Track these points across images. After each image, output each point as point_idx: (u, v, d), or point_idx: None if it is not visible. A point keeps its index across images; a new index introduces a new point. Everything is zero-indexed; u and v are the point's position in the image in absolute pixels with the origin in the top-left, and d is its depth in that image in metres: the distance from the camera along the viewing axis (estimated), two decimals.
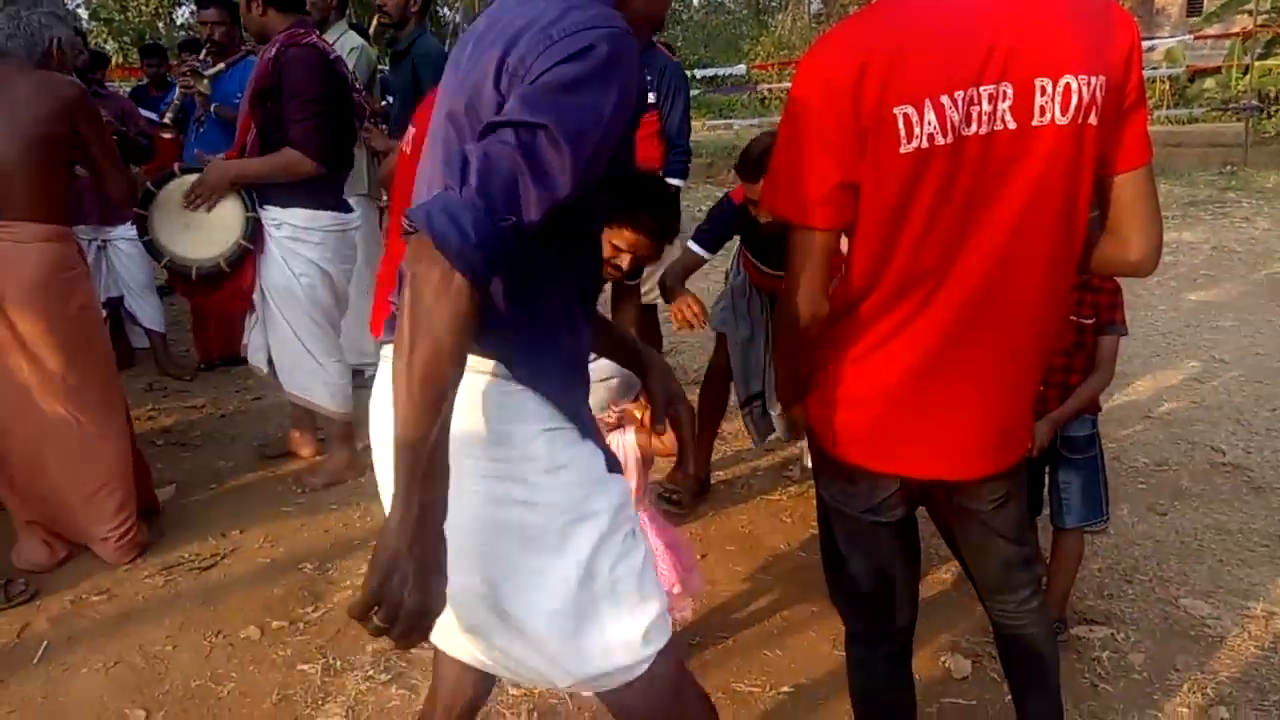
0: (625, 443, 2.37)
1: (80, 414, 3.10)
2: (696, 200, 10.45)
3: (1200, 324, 5.95)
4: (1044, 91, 1.42)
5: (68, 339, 3.05)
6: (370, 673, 2.61)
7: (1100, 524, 2.65)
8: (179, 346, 5.56)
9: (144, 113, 5.24)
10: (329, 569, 3.17)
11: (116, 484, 3.18)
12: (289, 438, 4.06)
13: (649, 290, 4.11)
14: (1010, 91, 1.41)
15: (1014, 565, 1.85)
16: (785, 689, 2.56)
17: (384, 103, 4.80)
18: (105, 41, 16.55)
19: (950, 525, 1.85)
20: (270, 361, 3.69)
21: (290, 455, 4.04)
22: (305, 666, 2.65)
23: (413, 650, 2.59)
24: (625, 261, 2.56)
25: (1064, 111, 1.43)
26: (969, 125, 1.42)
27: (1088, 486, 2.59)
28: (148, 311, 5.11)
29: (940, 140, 1.41)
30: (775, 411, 3.48)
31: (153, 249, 3.45)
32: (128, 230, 4.63)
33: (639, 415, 2.38)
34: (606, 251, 2.61)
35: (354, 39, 4.36)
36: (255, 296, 3.57)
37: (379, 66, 5.07)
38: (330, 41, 3.77)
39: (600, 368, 2.24)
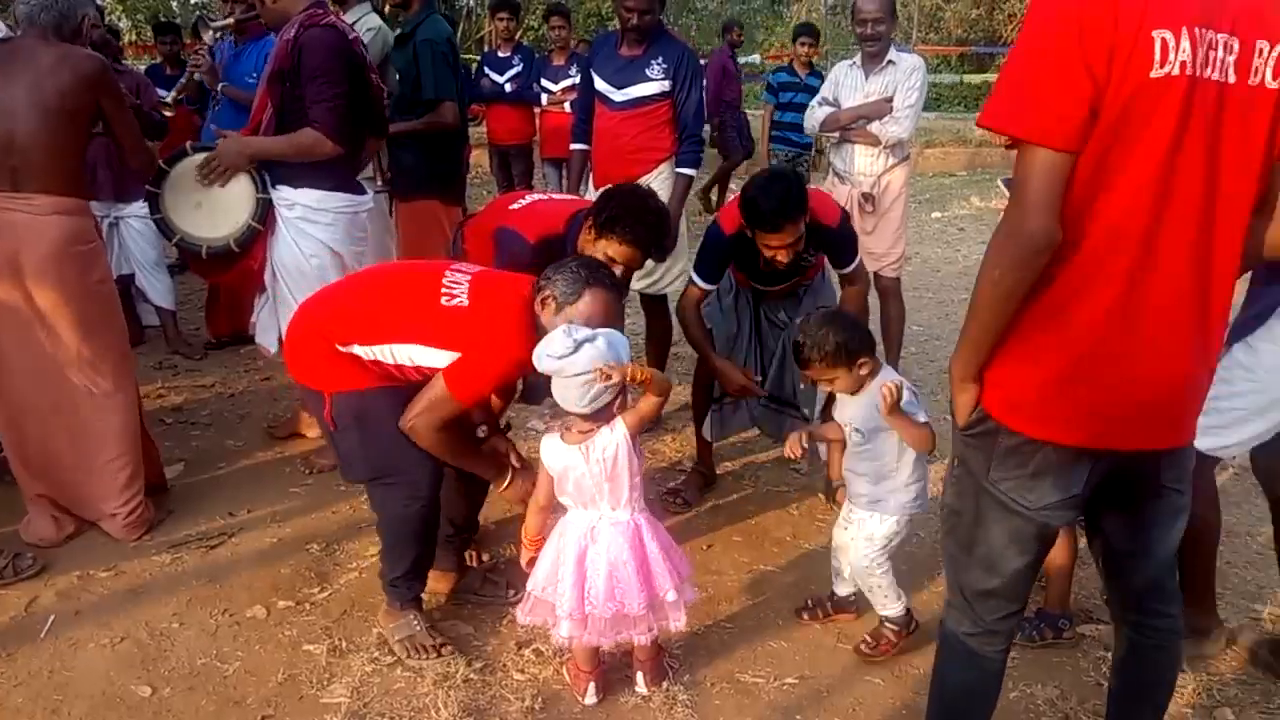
0: (617, 439, 2.26)
1: (93, 388, 3.11)
2: None
3: None
4: (1261, 53, 1.47)
5: (83, 312, 3.06)
6: (376, 655, 2.61)
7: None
8: (189, 325, 5.56)
9: (158, 91, 5.22)
10: (335, 550, 3.17)
11: (126, 460, 3.20)
12: (297, 418, 4.07)
13: (656, 281, 4.10)
14: (1236, 45, 1.46)
15: (1173, 568, 1.89)
16: (790, 680, 2.56)
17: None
18: (120, 18, 16.52)
19: (1131, 518, 1.83)
20: (280, 342, 3.69)
21: (298, 436, 4.04)
22: (311, 647, 2.66)
23: (416, 636, 2.61)
24: (617, 272, 2.76)
25: (1275, 76, 1.49)
26: (1206, 68, 1.45)
27: None
28: (158, 289, 5.11)
29: (1189, 70, 1.43)
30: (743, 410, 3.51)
31: (164, 227, 3.44)
32: (140, 207, 4.62)
33: (622, 374, 2.20)
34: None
35: (374, 20, 4.33)
36: (266, 276, 3.57)
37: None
38: (350, 22, 3.75)
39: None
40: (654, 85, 3.94)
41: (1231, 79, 1.47)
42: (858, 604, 2.80)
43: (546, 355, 2.20)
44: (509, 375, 2.45)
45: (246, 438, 4.10)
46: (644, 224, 2.81)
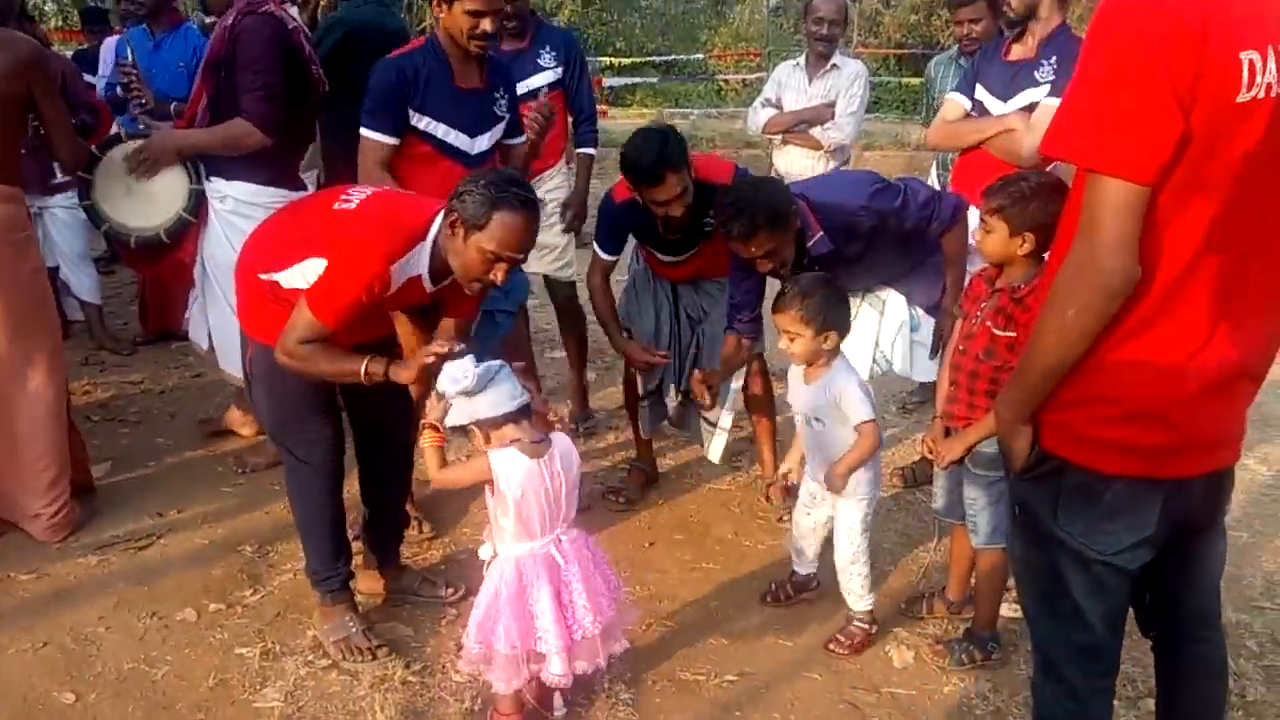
0: (569, 446, 2.22)
1: (22, 383, 3.01)
2: None
3: None
4: None
5: (14, 304, 2.96)
6: (310, 658, 2.57)
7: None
8: (116, 320, 5.41)
9: (86, 77, 5.07)
10: (269, 552, 3.11)
11: (52, 459, 3.09)
12: (229, 416, 3.97)
13: (564, 264, 4.07)
14: None
15: (1218, 591, 1.81)
16: (730, 677, 2.57)
17: None
18: (45, 1, 15.98)
19: (1184, 552, 1.70)
20: (210, 338, 3.60)
21: (231, 434, 3.95)
22: (243, 650, 2.60)
23: (351, 638, 2.57)
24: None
25: None
26: None
27: (994, 508, 2.49)
28: (84, 283, 4.95)
29: (1274, 91, 1.33)
30: (670, 399, 3.49)
31: (93, 214, 3.34)
32: (66, 199, 4.51)
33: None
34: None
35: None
36: (196, 271, 3.48)
37: None
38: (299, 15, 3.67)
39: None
40: (547, 75, 3.90)
41: None
42: (818, 582, 2.87)
43: (462, 389, 2.08)
44: (365, 289, 2.24)
45: (176, 436, 4.00)
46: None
